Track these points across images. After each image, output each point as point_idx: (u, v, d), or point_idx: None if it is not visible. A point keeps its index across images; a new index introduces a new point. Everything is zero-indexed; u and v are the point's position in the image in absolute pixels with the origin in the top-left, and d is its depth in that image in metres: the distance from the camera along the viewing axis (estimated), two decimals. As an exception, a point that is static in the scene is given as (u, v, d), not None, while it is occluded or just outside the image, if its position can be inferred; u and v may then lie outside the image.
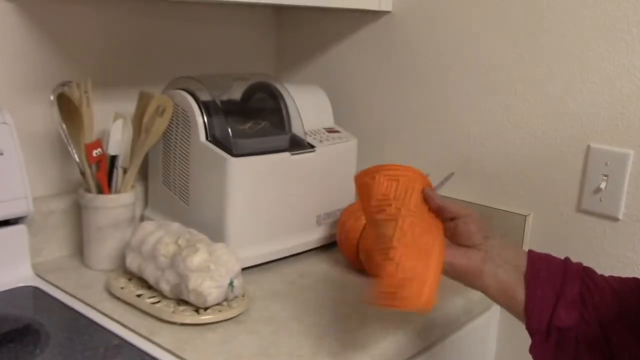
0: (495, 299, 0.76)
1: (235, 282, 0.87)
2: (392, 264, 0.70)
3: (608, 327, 0.69)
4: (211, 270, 0.85)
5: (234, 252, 0.89)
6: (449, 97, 1.16)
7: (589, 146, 1.00)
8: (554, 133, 1.04)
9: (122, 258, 0.98)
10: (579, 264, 0.75)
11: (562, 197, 1.04)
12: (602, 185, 0.99)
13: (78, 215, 1.06)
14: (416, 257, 0.70)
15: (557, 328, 0.71)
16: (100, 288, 0.95)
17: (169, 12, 1.18)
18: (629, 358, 0.68)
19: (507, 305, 0.76)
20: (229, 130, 1.02)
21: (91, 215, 1.00)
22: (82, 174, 1.00)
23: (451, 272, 0.75)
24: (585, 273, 0.74)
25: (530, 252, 0.77)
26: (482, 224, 0.77)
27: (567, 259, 0.76)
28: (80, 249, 1.06)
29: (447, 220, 0.78)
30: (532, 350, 0.73)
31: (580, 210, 1.03)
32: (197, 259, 0.85)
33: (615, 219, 0.99)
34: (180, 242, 0.89)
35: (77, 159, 0.99)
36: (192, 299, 0.85)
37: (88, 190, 1.00)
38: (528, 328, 0.73)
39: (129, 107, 1.05)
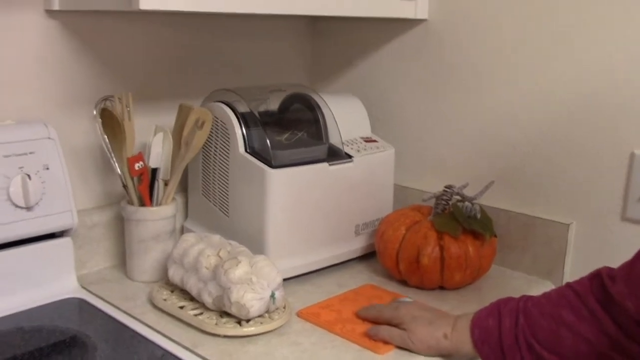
0: None
1: (277, 294, 0.87)
2: None
3: None
4: (253, 282, 0.85)
5: (275, 264, 0.89)
6: (487, 105, 1.15)
7: (633, 153, 0.98)
8: (597, 140, 1.02)
9: (164, 270, 0.99)
10: (517, 316, 0.79)
11: (606, 205, 1.02)
12: (648, 193, 0.97)
13: (120, 228, 1.08)
14: None
15: None
16: (143, 300, 0.97)
17: (205, 27, 1.20)
18: None
19: None
20: (268, 141, 1.02)
21: (133, 228, 1.01)
22: (125, 186, 1.01)
23: None
24: (522, 326, 0.78)
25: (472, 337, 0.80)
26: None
27: (502, 323, 0.79)
28: (123, 261, 1.08)
29: None
30: None
31: (625, 218, 1.01)
32: (239, 271, 0.85)
33: (662, 228, 0.97)
34: (221, 254, 0.90)
35: (120, 172, 1.00)
36: (234, 311, 0.85)
37: (130, 202, 1.01)
38: None
39: (168, 120, 1.07)
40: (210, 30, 1.21)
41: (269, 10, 0.96)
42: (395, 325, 0.85)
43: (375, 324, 0.88)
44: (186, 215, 1.17)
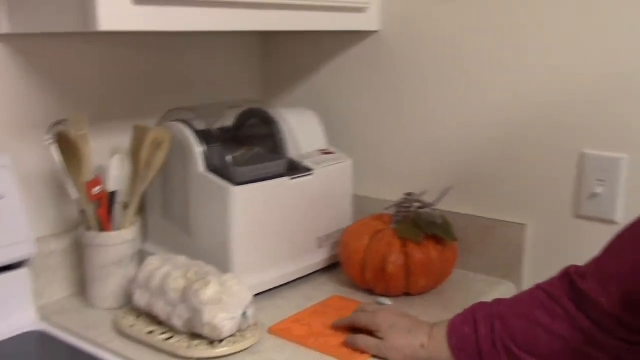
0: None
1: (249, 312, 0.87)
2: None
3: None
4: (224, 302, 0.84)
5: (244, 281, 0.89)
6: (440, 113, 1.17)
7: (583, 153, 1.02)
8: (548, 142, 1.06)
9: (128, 295, 0.97)
10: (489, 326, 0.80)
11: (560, 204, 1.06)
12: (599, 190, 1.01)
13: (77, 255, 1.05)
14: None
15: None
16: (108, 327, 0.94)
17: (158, 46, 1.18)
18: None
19: None
20: (228, 159, 1.02)
21: (94, 254, 0.98)
22: (82, 212, 0.98)
23: None
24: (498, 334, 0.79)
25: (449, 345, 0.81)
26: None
27: (478, 327, 0.81)
28: (81, 289, 1.05)
29: None
30: None
31: (578, 216, 1.05)
32: (209, 291, 0.84)
33: (613, 222, 1.01)
34: (189, 275, 0.89)
35: (77, 198, 0.98)
36: (206, 332, 0.84)
37: (89, 228, 0.99)
38: None
39: (124, 141, 1.04)
40: (162, 49, 1.19)
41: (225, 28, 0.95)
42: (372, 333, 0.86)
43: (351, 332, 0.89)
44: (145, 238, 1.15)
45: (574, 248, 1.05)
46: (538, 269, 1.09)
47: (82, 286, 1.04)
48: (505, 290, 1.09)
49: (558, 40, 1.03)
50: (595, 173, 1.01)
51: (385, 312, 0.88)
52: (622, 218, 1.00)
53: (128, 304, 0.97)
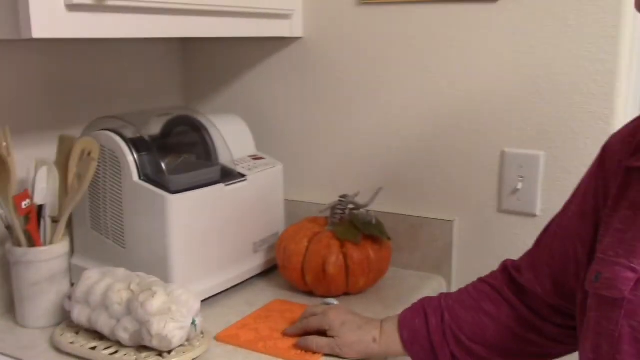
0: None
1: (197, 320, 0.86)
2: None
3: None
4: (172, 311, 0.83)
5: (191, 290, 0.88)
6: (365, 117, 1.21)
7: (503, 151, 1.09)
8: (471, 142, 1.12)
9: (62, 312, 0.94)
10: (439, 320, 0.84)
11: (484, 200, 1.13)
12: (519, 186, 1.08)
13: (2, 272, 0.99)
14: None
15: None
16: (45, 347, 0.90)
17: (75, 53, 1.14)
18: None
19: None
20: (162, 167, 1.00)
21: (23, 271, 0.94)
22: (8, 227, 0.93)
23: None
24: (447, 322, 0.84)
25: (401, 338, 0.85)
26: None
27: (429, 324, 0.84)
28: (7, 309, 0.99)
29: None
30: None
31: (501, 210, 1.11)
32: (156, 302, 0.83)
33: (533, 215, 1.08)
34: (132, 287, 0.87)
35: (2, 212, 0.93)
36: (155, 344, 0.82)
37: (17, 244, 0.94)
38: None
39: (43, 153, 1.00)
40: (81, 56, 1.15)
41: (159, 34, 0.94)
42: (325, 332, 0.87)
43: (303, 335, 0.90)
44: (72, 252, 1.10)
45: (499, 241, 1.12)
46: (466, 262, 1.15)
47: (9, 305, 0.99)
48: (436, 284, 1.14)
49: (478, 46, 1.09)
50: (515, 170, 1.08)
51: (336, 310, 0.90)
52: (541, 211, 1.07)
53: (63, 320, 0.94)
